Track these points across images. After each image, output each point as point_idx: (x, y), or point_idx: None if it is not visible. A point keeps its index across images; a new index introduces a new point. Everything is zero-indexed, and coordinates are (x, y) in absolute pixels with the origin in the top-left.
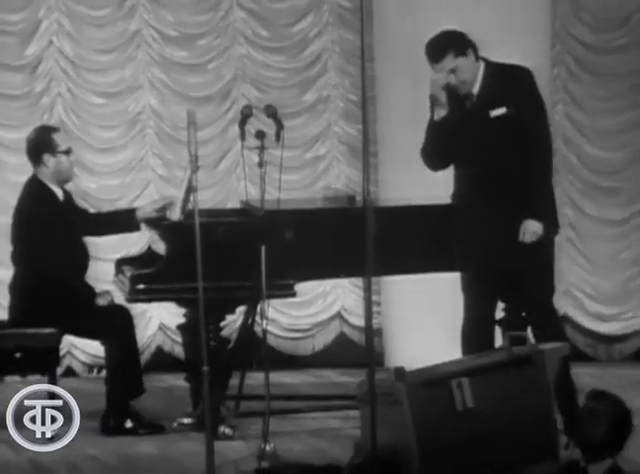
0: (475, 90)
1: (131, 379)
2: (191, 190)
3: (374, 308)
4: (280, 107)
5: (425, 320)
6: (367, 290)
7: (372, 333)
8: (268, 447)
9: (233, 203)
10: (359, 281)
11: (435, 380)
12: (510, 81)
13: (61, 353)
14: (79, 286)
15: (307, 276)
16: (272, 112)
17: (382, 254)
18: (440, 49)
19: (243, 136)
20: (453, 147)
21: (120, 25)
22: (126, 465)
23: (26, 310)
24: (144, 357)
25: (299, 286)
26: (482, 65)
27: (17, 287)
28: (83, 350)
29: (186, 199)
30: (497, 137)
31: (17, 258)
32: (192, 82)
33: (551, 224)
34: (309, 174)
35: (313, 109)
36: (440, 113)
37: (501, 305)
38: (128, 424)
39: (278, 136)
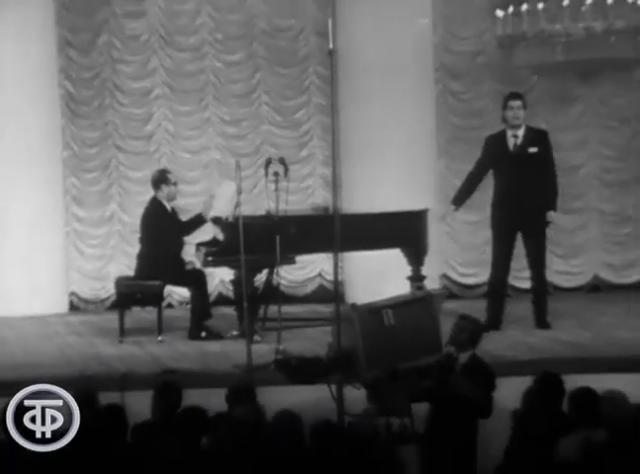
0: (521, 133)
1: (204, 309)
2: (238, 204)
3: (339, 270)
4: (287, 158)
5: (369, 276)
6: (335, 259)
7: (338, 283)
8: (280, 347)
9: (261, 212)
10: (331, 255)
11: (373, 310)
12: (539, 136)
13: (165, 294)
14: (176, 258)
15: (302, 252)
16: (282, 161)
17: (344, 239)
18: (520, 96)
19: (266, 175)
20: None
21: (198, 114)
22: (202, 357)
23: (145, 270)
24: (212, 298)
25: (298, 258)
26: (524, 125)
27: (141, 258)
28: (178, 293)
29: (235, 209)
30: (529, 164)
31: (143, 241)
32: (238, 145)
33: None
34: (302, 196)
35: (305, 160)
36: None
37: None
38: (203, 334)
39: (285, 175)
